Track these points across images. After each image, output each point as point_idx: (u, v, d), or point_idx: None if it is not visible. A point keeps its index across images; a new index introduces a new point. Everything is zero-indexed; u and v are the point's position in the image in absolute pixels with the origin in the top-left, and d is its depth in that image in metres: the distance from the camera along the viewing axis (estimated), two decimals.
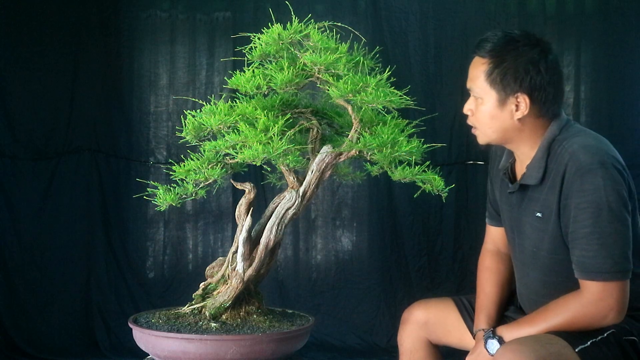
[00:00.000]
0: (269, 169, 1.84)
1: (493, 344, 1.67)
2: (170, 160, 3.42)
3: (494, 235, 1.97)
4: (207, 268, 1.86)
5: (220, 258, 1.85)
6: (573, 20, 3.35)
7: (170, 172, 1.71)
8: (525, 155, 1.74)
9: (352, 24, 3.46)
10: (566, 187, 1.62)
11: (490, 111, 1.70)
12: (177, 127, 1.74)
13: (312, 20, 1.62)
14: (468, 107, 1.77)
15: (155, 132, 3.54)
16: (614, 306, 1.59)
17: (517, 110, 1.68)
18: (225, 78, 1.68)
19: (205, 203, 3.51)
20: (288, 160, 1.59)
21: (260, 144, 1.54)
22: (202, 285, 1.83)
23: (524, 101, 1.68)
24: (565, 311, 1.62)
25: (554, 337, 1.57)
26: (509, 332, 1.67)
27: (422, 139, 1.62)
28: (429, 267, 3.42)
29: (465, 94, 3.42)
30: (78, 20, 3.48)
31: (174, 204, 1.67)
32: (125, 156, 3.51)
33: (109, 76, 3.52)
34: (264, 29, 1.61)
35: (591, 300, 1.60)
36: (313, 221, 3.51)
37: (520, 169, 1.78)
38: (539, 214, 1.69)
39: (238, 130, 1.60)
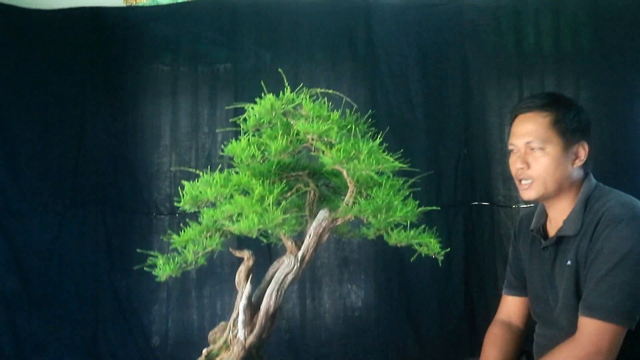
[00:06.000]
0: (266, 237, 1.84)
1: None
2: (177, 212, 3.42)
3: (509, 306, 2.00)
4: (210, 333, 1.85)
5: (223, 323, 1.84)
6: (571, 59, 3.33)
7: (175, 220, 1.71)
8: (560, 211, 1.77)
9: (352, 69, 3.51)
10: (596, 234, 1.66)
11: (557, 159, 1.74)
12: (179, 188, 1.75)
13: (304, 88, 1.63)
14: (523, 161, 1.76)
15: (157, 183, 3.54)
16: (603, 350, 1.56)
17: (576, 158, 1.76)
18: (222, 146, 1.70)
19: (208, 261, 3.48)
20: (284, 230, 1.59)
21: (255, 214, 1.54)
22: (204, 351, 1.81)
23: (583, 149, 1.77)
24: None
25: None
26: None
27: (417, 201, 1.62)
28: (439, 314, 3.35)
29: (469, 132, 3.43)
30: (84, 76, 3.53)
31: (173, 275, 1.67)
32: (130, 209, 3.52)
33: (114, 130, 3.56)
34: (257, 100, 1.63)
35: (583, 342, 1.58)
36: (319, 270, 3.48)
37: (552, 228, 1.82)
38: (569, 262, 1.72)
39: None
